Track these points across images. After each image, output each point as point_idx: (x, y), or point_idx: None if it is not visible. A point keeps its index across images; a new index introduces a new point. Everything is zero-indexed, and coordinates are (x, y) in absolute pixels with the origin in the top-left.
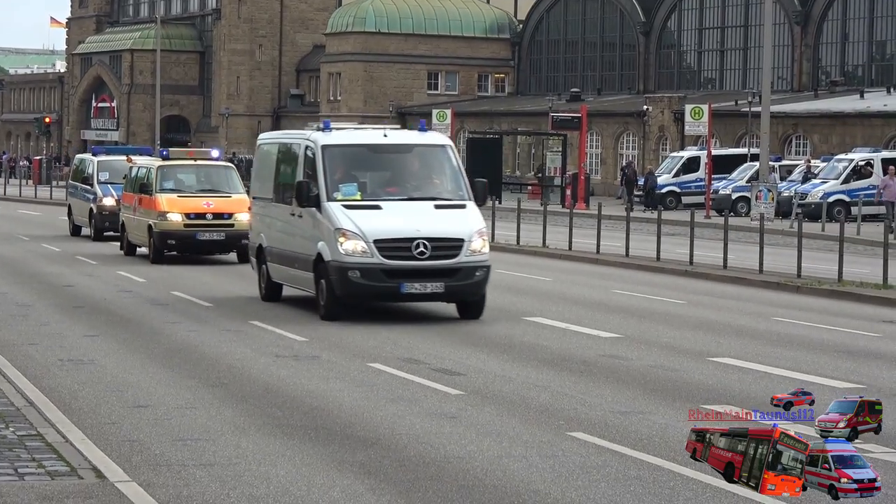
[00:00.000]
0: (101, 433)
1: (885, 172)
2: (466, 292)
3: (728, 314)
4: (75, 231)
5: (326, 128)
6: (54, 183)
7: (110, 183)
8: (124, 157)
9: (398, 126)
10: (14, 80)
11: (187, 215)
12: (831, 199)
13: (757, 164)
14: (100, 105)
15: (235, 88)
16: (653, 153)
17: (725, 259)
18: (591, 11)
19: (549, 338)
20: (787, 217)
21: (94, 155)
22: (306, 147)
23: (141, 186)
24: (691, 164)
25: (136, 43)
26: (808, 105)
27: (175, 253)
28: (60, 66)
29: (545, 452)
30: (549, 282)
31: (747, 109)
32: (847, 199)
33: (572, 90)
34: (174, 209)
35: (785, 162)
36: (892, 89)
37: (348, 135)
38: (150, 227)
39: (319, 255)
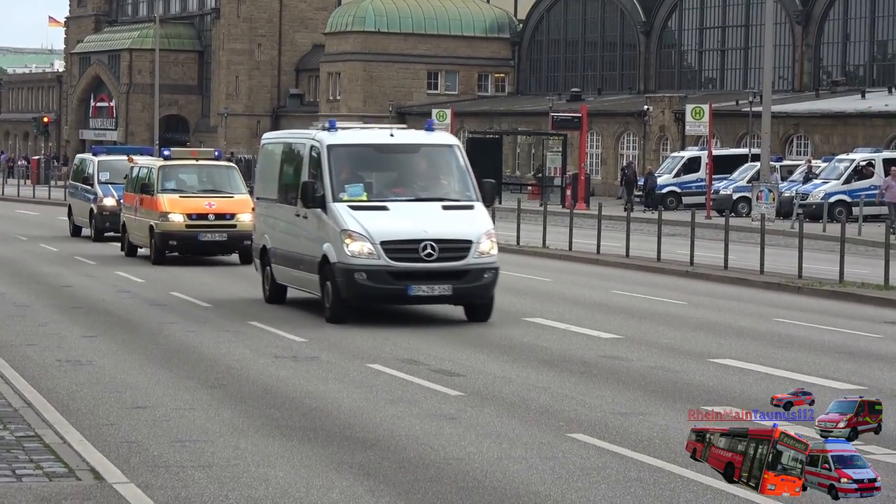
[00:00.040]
0: (100, 434)
1: (886, 173)
2: (475, 295)
3: (729, 315)
4: (75, 232)
5: (332, 127)
6: (52, 183)
7: (111, 183)
8: (125, 157)
9: (404, 126)
10: (12, 80)
11: (189, 216)
12: (832, 199)
13: (758, 164)
14: (98, 105)
15: (234, 88)
16: (653, 153)
17: (726, 260)
18: (592, 11)
19: (549, 339)
20: (789, 217)
21: (94, 155)
22: (311, 147)
23: (142, 187)
24: (692, 165)
25: (135, 42)
26: (809, 105)
27: (176, 254)
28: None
29: (545, 454)
30: (549, 282)
31: (748, 109)
32: (848, 199)
33: (573, 90)
34: (176, 210)
35: (786, 162)
36: (893, 89)
37: (354, 134)
38: (151, 227)
39: (325, 257)
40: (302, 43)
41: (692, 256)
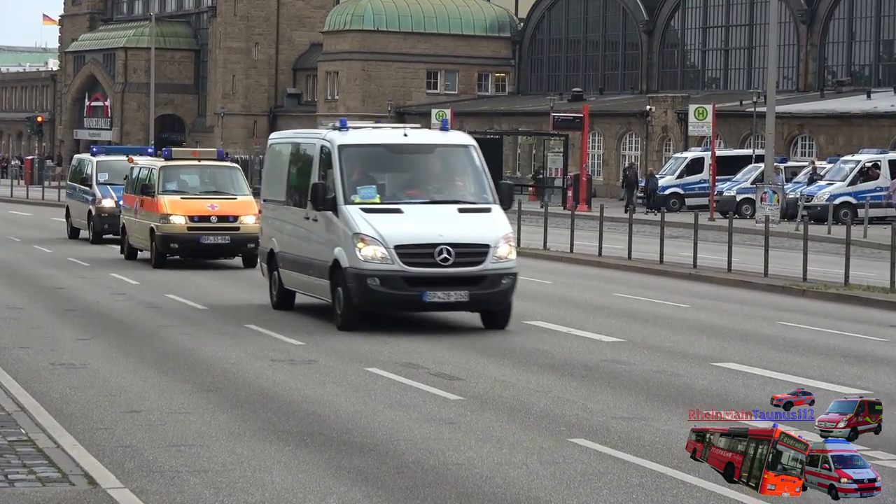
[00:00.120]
0: (94, 439)
1: (892, 175)
2: (492, 301)
3: (732, 318)
4: (73, 234)
5: (343, 127)
6: (46, 183)
7: (110, 184)
8: (124, 158)
9: (418, 125)
10: (6, 79)
11: (191, 218)
12: (837, 201)
13: (762, 165)
14: (93, 104)
15: (231, 87)
16: (656, 154)
17: (730, 262)
18: (594, 10)
19: (550, 342)
20: (793, 219)
21: (93, 155)
22: (322, 147)
23: (143, 188)
24: (695, 166)
25: (131, 41)
26: (813, 105)
27: (178, 257)
28: (53, 64)
29: (546, 459)
30: (550, 285)
31: (752, 110)
32: (854, 201)
33: (574, 90)
34: (177, 211)
35: (790, 164)
36: None
37: (366, 134)
38: (152, 230)
39: (336, 262)
40: (300, 42)
41: (695, 259)
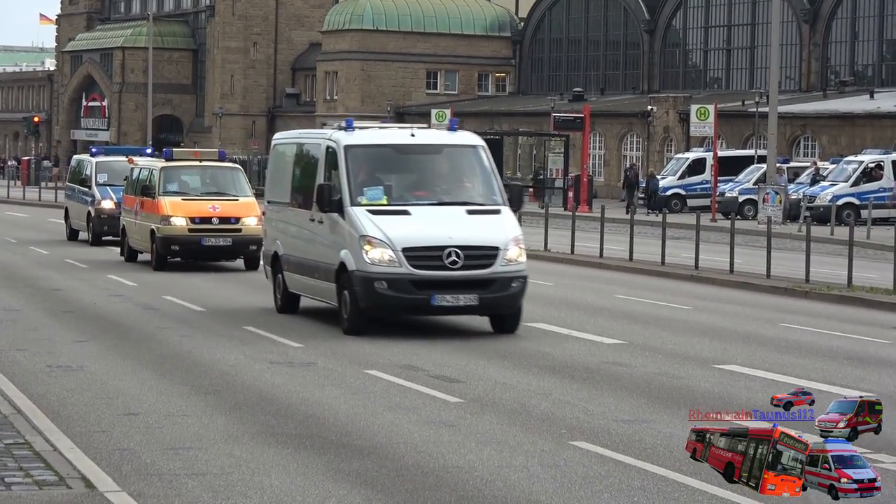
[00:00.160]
0: (91, 441)
1: None
2: (502, 305)
3: (734, 320)
4: (72, 235)
5: (349, 127)
6: (43, 184)
7: (109, 185)
8: (124, 158)
9: (425, 125)
10: (2, 79)
11: (192, 219)
12: (840, 202)
13: (764, 165)
14: (90, 104)
15: (229, 87)
16: (657, 154)
17: (732, 263)
18: (595, 9)
19: (551, 344)
20: (796, 220)
21: (92, 155)
22: (327, 147)
23: (143, 189)
24: (697, 166)
25: (128, 40)
26: (816, 105)
27: (179, 259)
28: (50, 63)
29: (547, 462)
30: (551, 286)
31: (754, 110)
32: (857, 201)
33: (575, 90)
34: (178, 213)
35: (792, 164)
36: None
37: (373, 134)
38: (152, 231)
39: (342, 265)
40: (298, 41)
41: (697, 260)
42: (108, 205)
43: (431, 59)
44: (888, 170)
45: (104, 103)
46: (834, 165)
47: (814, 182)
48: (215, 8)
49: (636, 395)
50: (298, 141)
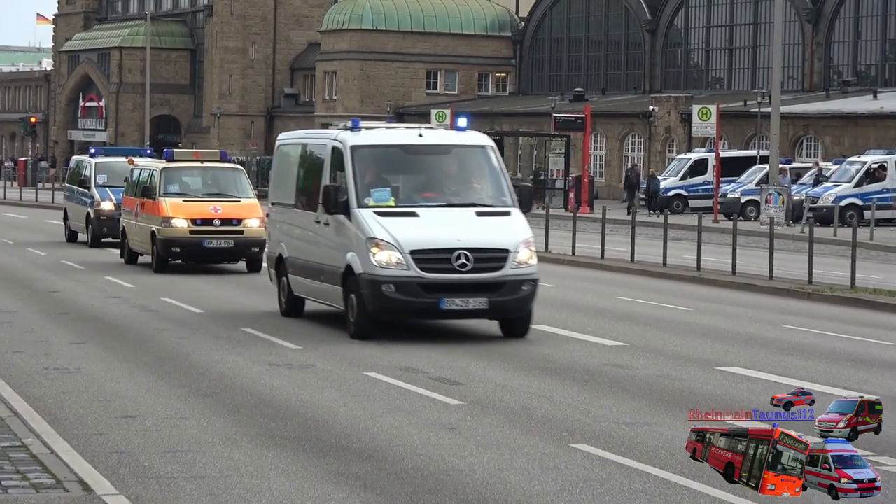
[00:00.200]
0: (88, 444)
1: None
2: (512, 309)
3: (737, 322)
4: (71, 237)
5: (355, 127)
6: (40, 185)
7: (109, 186)
8: (124, 159)
9: (432, 125)
10: None
11: (193, 221)
12: (843, 202)
13: (766, 166)
14: (87, 104)
15: (228, 87)
16: (659, 155)
17: (734, 265)
18: (596, 9)
19: (552, 346)
20: (799, 221)
21: (91, 156)
22: (333, 148)
23: (143, 190)
24: (699, 167)
25: (126, 40)
26: (819, 105)
27: (180, 262)
28: (47, 63)
29: (547, 465)
30: (552, 288)
31: (757, 110)
32: (860, 202)
33: (576, 90)
34: (179, 214)
35: (794, 165)
36: None
37: (380, 134)
38: (153, 233)
39: (349, 267)
40: (297, 41)
41: (699, 261)
42: (107, 206)
43: (431, 58)
44: (891, 170)
45: (101, 103)
46: (837, 166)
47: (817, 183)
48: (213, 7)
49: (638, 397)
50: (303, 141)
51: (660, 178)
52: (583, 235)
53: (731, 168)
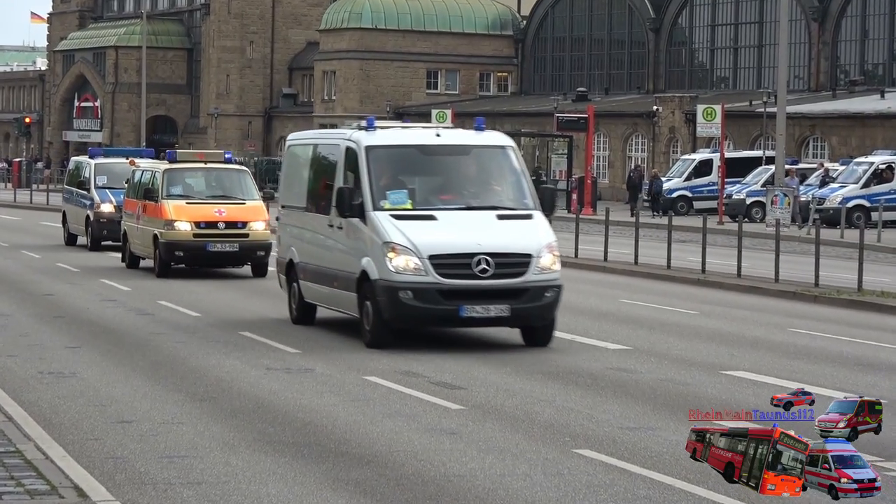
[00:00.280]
0: (84, 450)
1: None
2: (534, 316)
3: (742, 325)
4: (70, 240)
5: (370, 126)
6: (35, 186)
7: (109, 188)
8: (124, 160)
9: (451, 125)
10: None
11: (197, 224)
12: (850, 204)
13: (772, 167)
14: (83, 105)
15: (225, 87)
16: (663, 156)
17: (739, 267)
18: (599, 7)
19: (554, 350)
20: (806, 223)
21: (91, 157)
22: (347, 148)
23: (145, 192)
24: (703, 168)
25: (121, 39)
26: (825, 105)
27: (183, 266)
28: (41, 63)
29: (550, 470)
30: None
31: (762, 110)
32: (867, 204)
33: (578, 90)
34: (182, 217)
35: (801, 166)
36: None
37: (395, 134)
38: (155, 236)
39: (364, 273)
40: (295, 40)
41: (704, 264)
42: (107, 208)
43: (432, 58)
44: None
45: (97, 104)
46: (843, 167)
47: (823, 184)
48: (210, 6)
49: (641, 401)
50: (315, 141)
51: (663, 178)
52: (586, 237)
53: (737, 169)
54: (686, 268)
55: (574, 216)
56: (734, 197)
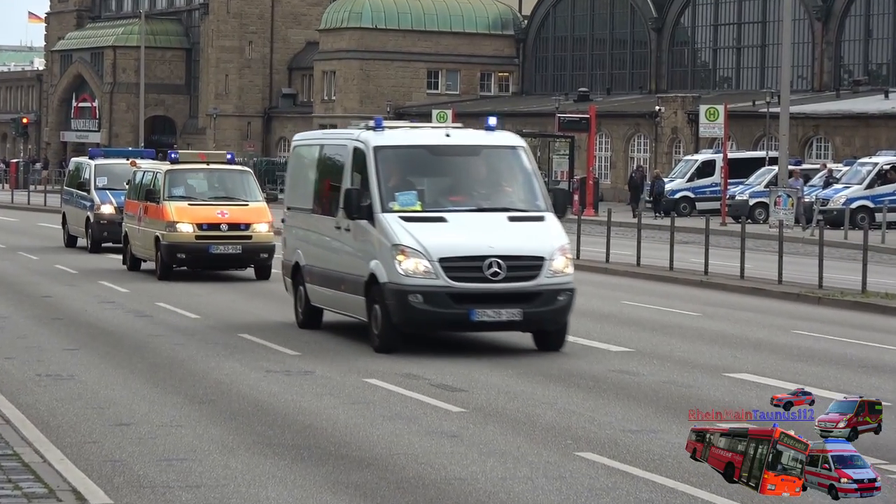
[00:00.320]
0: (81, 453)
1: None
2: (547, 320)
3: (745, 327)
4: (70, 242)
5: (378, 126)
6: (32, 187)
7: (109, 189)
8: (124, 161)
9: (460, 125)
10: None
11: (199, 226)
12: (854, 205)
13: (776, 167)
14: (80, 105)
15: (224, 87)
16: (665, 156)
17: (742, 268)
18: (601, 7)
19: (556, 352)
20: (810, 224)
21: (91, 158)
22: (355, 149)
23: (147, 193)
24: (706, 168)
25: (119, 39)
26: (829, 105)
27: (185, 268)
28: (39, 63)
29: (552, 473)
30: None
31: (765, 110)
32: (871, 205)
33: (580, 90)
34: (184, 219)
35: (804, 166)
36: None
37: (404, 134)
38: (157, 238)
39: (373, 276)
40: (295, 40)
41: (706, 265)
42: (107, 210)
43: (432, 58)
44: None
45: (95, 104)
46: (847, 167)
47: (827, 185)
48: (209, 6)
49: (644, 404)
50: (322, 142)
51: (666, 179)
52: (587, 239)
53: (740, 169)
54: (689, 269)
55: (576, 217)
56: (737, 198)
